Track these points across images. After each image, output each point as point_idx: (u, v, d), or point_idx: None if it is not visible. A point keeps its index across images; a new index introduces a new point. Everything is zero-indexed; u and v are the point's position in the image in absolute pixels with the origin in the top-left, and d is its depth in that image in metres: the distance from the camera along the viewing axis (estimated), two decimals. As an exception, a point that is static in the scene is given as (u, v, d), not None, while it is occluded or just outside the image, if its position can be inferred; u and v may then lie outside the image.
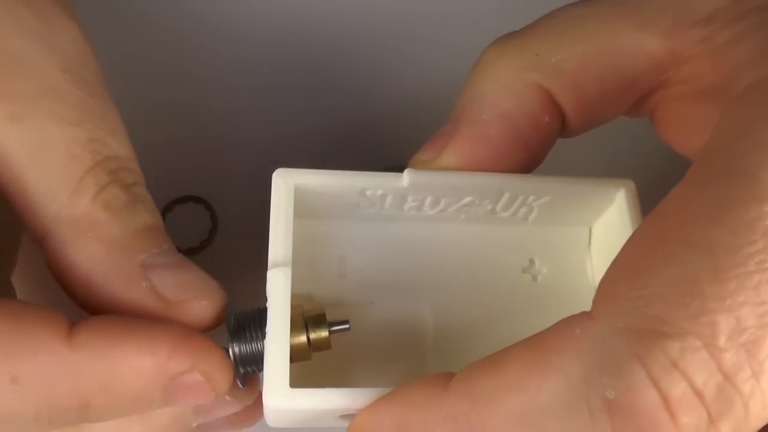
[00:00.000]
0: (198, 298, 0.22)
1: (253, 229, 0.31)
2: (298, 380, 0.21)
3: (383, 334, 0.25)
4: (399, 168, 0.24)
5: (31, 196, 0.22)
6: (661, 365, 0.17)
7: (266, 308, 0.22)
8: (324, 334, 0.22)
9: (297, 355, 0.22)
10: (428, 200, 0.24)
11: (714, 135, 0.20)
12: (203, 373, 0.21)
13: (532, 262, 0.26)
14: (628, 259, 0.19)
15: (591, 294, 0.24)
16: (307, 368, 0.23)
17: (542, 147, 0.24)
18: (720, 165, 0.19)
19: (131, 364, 0.20)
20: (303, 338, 0.22)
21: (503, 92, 0.24)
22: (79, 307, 0.22)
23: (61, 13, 0.23)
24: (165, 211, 0.30)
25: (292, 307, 0.22)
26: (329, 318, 0.23)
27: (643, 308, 0.17)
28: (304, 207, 0.24)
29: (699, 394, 0.17)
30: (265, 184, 0.31)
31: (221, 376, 0.22)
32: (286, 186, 0.23)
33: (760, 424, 0.18)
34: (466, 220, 0.25)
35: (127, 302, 0.22)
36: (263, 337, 0.22)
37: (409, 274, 0.25)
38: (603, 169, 0.31)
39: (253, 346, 0.22)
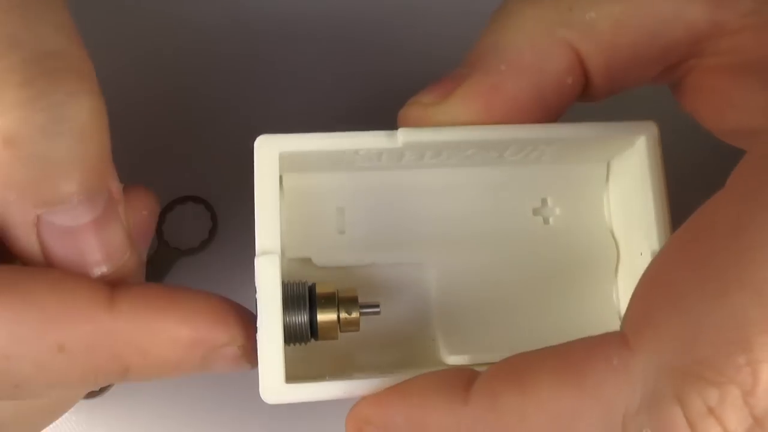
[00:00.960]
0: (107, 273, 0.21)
1: (253, 229, 0.31)
2: (294, 362, 0.21)
3: (385, 301, 0.23)
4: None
5: None
6: (700, 411, 0.16)
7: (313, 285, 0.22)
8: (355, 315, 0.22)
9: (325, 334, 0.22)
10: (428, 153, 0.23)
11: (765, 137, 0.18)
12: (241, 347, 0.21)
13: (544, 202, 0.24)
14: (671, 279, 0.18)
15: (606, 238, 0.24)
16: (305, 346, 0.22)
17: (559, 108, 0.22)
18: None
19: (170, 335, 0.20)
20: (332, 317, 0.22)
21: (528, 45, 0.22)
22: None
23: None
24: (165, 211, 0.30)
25: (326, 285, 0.22)
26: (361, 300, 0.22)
27: (689, 349, 0.17)
28: (293, 162, 0.22)
29: None
30: None
31: (246, 354, 0.21)
32: (270, 156, 0.21)
33: None
34: (471, 164, 0.24)
35: (20, 252, 0.20)
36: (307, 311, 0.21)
37: (410, 225, 0.24)
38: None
39: (299, 320, 0.21)
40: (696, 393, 0.16)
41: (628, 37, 0.22)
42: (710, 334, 0.16)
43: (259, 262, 0.21)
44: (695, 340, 0.17)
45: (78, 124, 0.19)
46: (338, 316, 0.22)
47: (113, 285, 0.21)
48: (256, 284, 0.21)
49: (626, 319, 0.18)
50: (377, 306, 0.22)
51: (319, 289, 0.22)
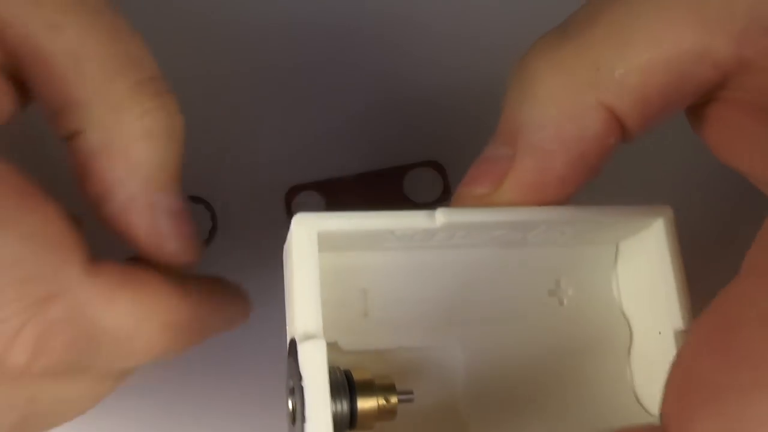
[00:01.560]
0: (177, 254, 0.24)
1: (253, 229, 0.32)
2: None
3: (413, 383, 0.23)
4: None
5: (70, 98, 0.22)
6: None
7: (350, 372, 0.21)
8: (394, 402, 0.21)
9: (363, 422, 0.21)
10: (459, 233, 0.22)
11: None
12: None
13: (558, 283, 0.25)
14: (705, 372, 0.18)
15: (618, 318, 0.24)
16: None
17: (601, 166, 0.22)
18: None
19: (144, 308, 0.22)
20: (374, 405, 0.21)
21: (564, 116, 0.22)
22: (84, 198, 0.23)
23: None
24: None
25: (363, 371, 0.21)
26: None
27: None
28: (330, 242, 0.21)
29: None
30: (265, 184, 0.32)
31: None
32: (309, 236, 0.20)
33: None
34: (495, 245, 0.24)
35: (125, 228, 0.23)
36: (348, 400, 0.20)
37: (434, 305, 0.23)
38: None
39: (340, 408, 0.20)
40: None
41: (658, 85, 0.22)
42: (751, 430, 0.16)
43: (304, 349, 0.19)
44: None
45: (181, 135, 0.23)
46: (378, 405, 0.21)
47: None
48: (302, 372, 0.19)
49: (665, 416, 0.18)
50: (411, 393, 0.22)
51: (356, 376, 0.21)
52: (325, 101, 0.33)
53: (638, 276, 0.24)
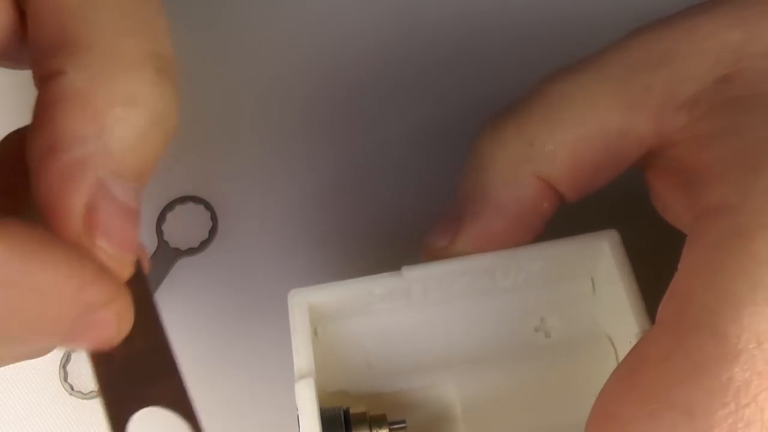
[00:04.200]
0: (108, 254, 0.21)
1: (253, 229, 0.32)
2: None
3: (416, 420, 0.27)
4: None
5: (68, 39, 0.20)
6: None
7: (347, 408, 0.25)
8: (385, 430, 0.26)
9: None
10: (432, 288, 0.27)
11: (682, 274, 0.22)
12: (117, 311, 0.20)
13: (543, 320, 0.28)
14: (612, 408, 0.21)
15: (604, 340, 0.27)
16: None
17: (543, 224, 0.27)
18: (692, 318, 0.21)
19: (54, 280, 0.19)
20: None
21: (503, 185, 0.26)
22: (28, 151, 0.20)
23: None
24: (165, 210, 0.30)
25: (358, 407, 0.25)
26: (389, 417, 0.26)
27: None
28: (324, 314, 0.27)
29: None
30: (265, 183, 0.32)
31: (129, 317, 0.21)
32: (300, 306, 0.26)
33: None
34: (472, 295, 0.28)
35: (56, 196, 0.20)
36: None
37: (429, 355, 0.28)
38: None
39: None
40: None
41: (586, 158, 0.26)
42: None
43: (298, 386, 0.25)
44: None
45: (170, 129, 0.21)
46: (370, 433, 0.25)
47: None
48: (297, 404, 0.25)
49: None
50: (404, 422, 0.26)
51: (352, 410, 0.26)
52: (333, 104, 0.34)
53: (610, 299, 0.27)
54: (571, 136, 0.26)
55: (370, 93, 0.34)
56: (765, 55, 0.24)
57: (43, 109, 0.20)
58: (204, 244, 0.30)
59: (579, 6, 0.34)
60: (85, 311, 0.20)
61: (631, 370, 0.22)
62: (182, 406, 0.21)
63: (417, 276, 0.26)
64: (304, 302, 0.26)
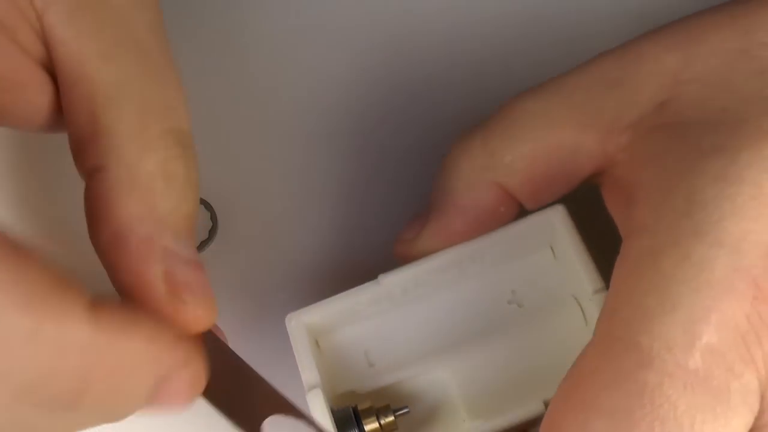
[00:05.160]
0: (196, 303, 0.23)
1: (253, 229, 0.33)
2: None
3: (420, 403, 0.31)
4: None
5: (101, 131, 0.23)
6: None
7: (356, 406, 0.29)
8: (391, 418, 0.29)
9: None
10: (409, 287, 0.31)
11: (610, 292, 0.25)
12: (192, 374, 0.23)
13: (513, 293, 0.31)
14: (555, 419, 0.24)
15: (570, 300, 0.31)
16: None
17: (501, 224, 0.30)
18: (614, 332, 0.24)
19: (140, 354, 0.21)
20: (376, 425, 0.29)
21: (464, 189, 0.29)
22: (93, 246, 0.23)
23: None
24: None
25: (364, 402, 0.29)
26: (392, 406, 0.29)
27: None
28: (321, 328, 0.30)
29: None
30: (265, 184, 0.33)
31: (202, 380, 0.23)
32: (298, 327, 0.29)
33: None
34: (446, 285, 0.31)
35: (138, 274, 0.23)
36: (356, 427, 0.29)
37: (420, 344, 0.31)
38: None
39: None
40: None
41: (541, 169, 0.28)
42: None
43: (309, 397, 0.29)
44: None
45: (197, 189, 0.25)
46: (379, 423, 0.29)
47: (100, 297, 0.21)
48: (311, 412, 0.28)
49: None
50: (406, 407, 0.30)
51: (360, 407, 0.29)
52: (333, 104, 0.35)
53: (567, 264, 0.31)
54: (527, 150, 0.28)
55: (371, 97, 0.36)
56: (696, 80, 0.26)
57: (96, 203, 0.23)
58: (203, 244, 0.31)
59: (574, 21, 0.36)
60: (163, 379, 0.22)
61: (569, 384, 0.25)
62: (292, 411, 0.25)
63: (392, 281, 0.30)
64: (301, 323, 0.30)
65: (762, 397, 0.23)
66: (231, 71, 0.35)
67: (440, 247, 0.30)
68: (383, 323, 0.32)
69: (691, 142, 0.25)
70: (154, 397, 0.22)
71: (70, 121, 0.24)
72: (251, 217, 0.33)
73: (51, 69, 0.24)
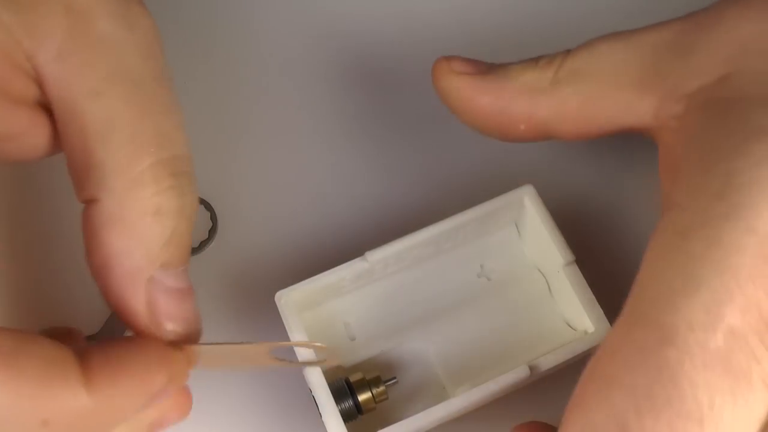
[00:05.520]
0: (175, 332, 0.25)
1: (252, 229, 0.33)
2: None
3: (403, 374, 0.32)
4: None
5: (93, 165, 0.24)
6: None
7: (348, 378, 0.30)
8: (382, 388, 0.31)
9: (366, 407, 0.30)
10: (390, 261, 0.32)
11: (640, 272, 0.25)
12: (182, 396, 0.25)
13: (482, 267, 0.34)
14: (578, 394, 0.24)
15: (536, 273, 0.33)
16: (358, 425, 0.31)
17: (512, 135, 0.31)
18: (639, 310, 0.24)
19: (135, 393, 0.23)
20: (369, 395, 0.30)
21: (519, 86, 0.30)
22: (89, 268, 0.25)
23: (139, 3, 0.26)
24: None
25: (356, 374, 0.31)
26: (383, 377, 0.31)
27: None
28: (308, 304, 0.31)
29: None
30: (264, 184, 0.33)
31: (189, 396, 0.26)
32: (288, 305, 0.30)
33: None
34: (422, 261, 0.33)
35: (122, 302, 0.24)
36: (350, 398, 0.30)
37: (399, 317, 0.33)
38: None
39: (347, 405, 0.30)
40: None
41: (589, 112, 0.29)
42: (602, 424, 0.23)
43: (307, 372, 0.30)
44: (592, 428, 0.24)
45: (192, 213, 0.25)
46: (372, 393, 0.30)
47: (80, 352, 0.22)
48: (310, 386, 0.29)
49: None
50: (395, 378, 0.31)
51: (352, 378, 0.31)
52: (331, 103, 0.35)
53: (534, 239, 0.33)
54: (586, 89, 0.29)
55: (369, 95, 0.36)
56: (764, 53, 0.26)
57: (90, 232, 0.24)
58: (203, 244, 0.31)
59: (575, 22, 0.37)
60: (151, 397, 0.23)
61: (595, 359, 0.25)
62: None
63: (378, 257, 0.31)
64: (291, 300, 0.31)
65: None
66: (230, 71, 0.35)
67: (461, 95, 0.31)
68: (363, 298, 0.33)
69: (741, 119, 0.25)
70: (153, 425, 0.25)
71: (67, 154, 0.25)
72: (251, 217, 0.33)
73: (48, 104, 0.24)
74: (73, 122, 0.24)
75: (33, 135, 0.25)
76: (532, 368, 0.30)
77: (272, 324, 0.31)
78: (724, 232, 0.23)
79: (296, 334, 0.30)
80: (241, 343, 0.28)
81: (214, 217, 0.31)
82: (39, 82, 0.24)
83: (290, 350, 0.30)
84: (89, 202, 0.24)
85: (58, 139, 0.25)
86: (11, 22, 0.23)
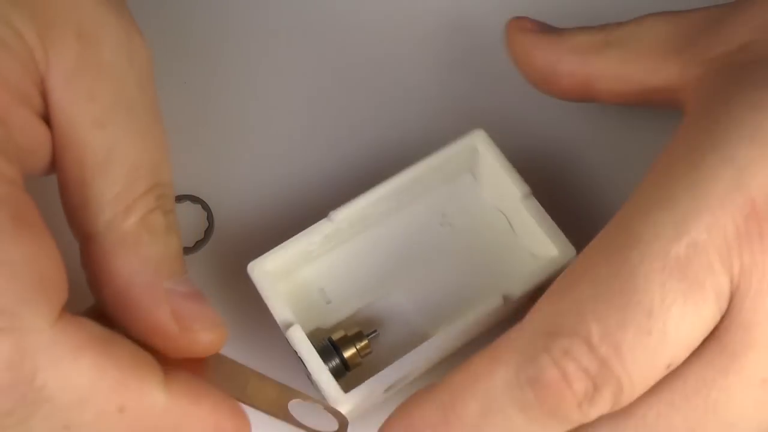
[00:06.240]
0: (205, 330, 0.26)
1: (249, 229, 0.33)
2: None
3: (383, 327, 0.33)
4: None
5: (90, 199, 0.25)
6: (559, 354, 0.24)
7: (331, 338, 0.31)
8: (365, 342, 0.31)
9: (352, 362, 0.31)
10: (355, 219, 0.33)
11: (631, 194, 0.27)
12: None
13: (444, 216, 0.35)
14: (552, 290, 0.26)
15: (497, 214, 0.34)
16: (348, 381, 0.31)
17: (556, 91, 0.33)
18: (615, 221, 0.26)
19: (205, 418, 0.25)
20: (353, 350, 0.31)
21: (572, 46, 0.33)
22: (101, 308, 0.26)
23: (138, 32, 0.27)
24: None
25: (338, 333, 0.31)
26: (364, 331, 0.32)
27: (552, 318, 0.25)
28: (280, 273, 0.32)
29: (585, 371, 0.24)
30: (262, 184, 0.34)
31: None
32: (261, 275, 0.31)
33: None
34: (386, 217, 0.34)
35: (149, 319, 0.25)
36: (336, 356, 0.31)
37: (370, 274, 0.34)
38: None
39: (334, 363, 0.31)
40: (556, 343, 0.24)
41: (629, 71, 0.32)
42: (567, 310, 0.25)
43: (289, 333, 0.30)
44: (558, 314, 0.25)
45: (177, 225, 0.27)
46: (356, 348, 0.31)
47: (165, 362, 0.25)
48: (295, 348, 0.30)
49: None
50: (376, 330, 0.32)
51: (334, 337, 0.31)
52: (329, 102, 0.36)
53: (492, 182, 0.34)
54: (626, 51, 0.32)
55: (369, 94, 0.37)
56: None
57: (95, 266, 0.25)
58: (199, 245, 0.31)
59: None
60: None
61: (570, 265, 0.27)
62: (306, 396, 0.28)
63: (342, 215, 0.32)
64: (263, 270, 0.31)
65: (729, 303, 0.25)
66: (229, 71, 0.35)
67: (521, 49, 0.33)
68: (332, 260, 0.34)
69: (749, 77, 0.27)
70: None
71: (60, 182, 0.25)
72: (247, 217, 0.33)
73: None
74: (73, 149, 0.25)
75: (44, 152, 0.25)
76: (505, 297, 0.31)
77: (268, 324, 0.31)
78: (705, 159, 0.25)
79: (273, 302, 0.31)
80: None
81: (210, 218, 0.32)
82: (46, 103, 0.25)
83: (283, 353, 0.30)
84: (87, 239, 0.25)
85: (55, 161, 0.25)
86: (34, 44, 0.24)
